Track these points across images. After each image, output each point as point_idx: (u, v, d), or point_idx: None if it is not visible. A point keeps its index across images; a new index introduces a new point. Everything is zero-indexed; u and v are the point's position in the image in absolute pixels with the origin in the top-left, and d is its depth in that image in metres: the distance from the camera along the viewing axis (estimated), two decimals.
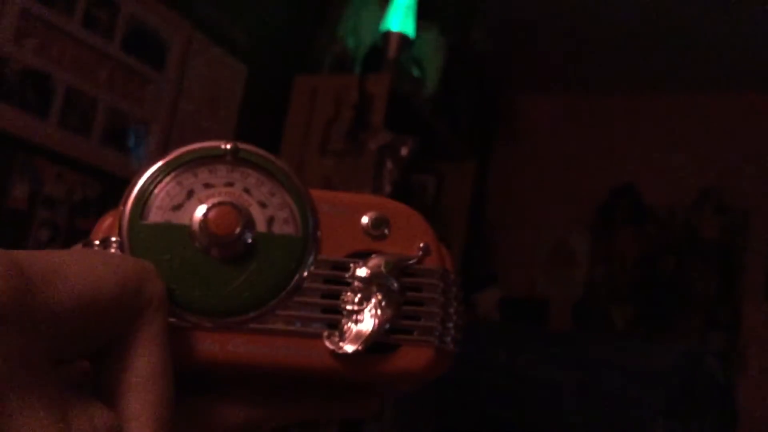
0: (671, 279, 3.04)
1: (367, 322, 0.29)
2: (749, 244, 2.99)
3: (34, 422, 0.21)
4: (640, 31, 2.76)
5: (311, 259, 0.30)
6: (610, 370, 2.05)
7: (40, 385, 0.22)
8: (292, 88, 2.25)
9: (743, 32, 2.63)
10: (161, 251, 0.29)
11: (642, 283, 3.05)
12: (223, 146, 0.30)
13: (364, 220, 0.31)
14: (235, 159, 0.30)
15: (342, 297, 0.30)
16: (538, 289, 3.18)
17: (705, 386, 2.06)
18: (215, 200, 0.29)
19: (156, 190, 0.29)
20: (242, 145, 0.30)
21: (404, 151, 2.12)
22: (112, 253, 0.28)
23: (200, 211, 0.29)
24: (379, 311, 0.30)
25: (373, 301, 0.30)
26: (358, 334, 0.29)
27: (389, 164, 2.11)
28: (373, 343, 0.29)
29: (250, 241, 0.29)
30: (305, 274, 0.30)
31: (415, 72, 2.43)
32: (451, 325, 0.31)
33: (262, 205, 0.30)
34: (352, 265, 0.30)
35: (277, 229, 0.30)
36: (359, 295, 0.30)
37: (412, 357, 0.30)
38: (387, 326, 0.30)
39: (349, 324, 0.29)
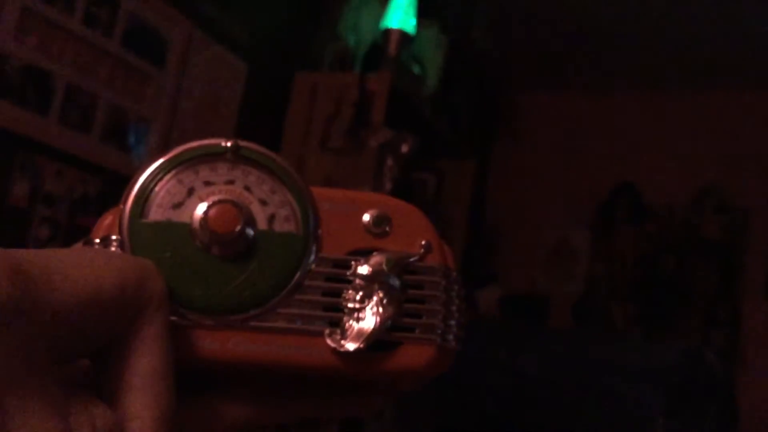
0: (671, 277, 3.04)
1: (368, 319, 0.29)
2: (749, 242, 2.99)
3: (35, 421, 0.21)
4: (640, 29, 2.76)
5: (312, 256, 0.30)
6: (609, 369, 2.05)
7: (41, 385, 0.22)
8: (292, 85, 2.25)
9: (744, 30, 2.63)
10: (162, 249, 0.29)
11: (642, 281, 3.05)
12: (223, 144, 0.30)
13: (366, 217, 0.31)
14: (236, 157, 0.30)
15: (343, 295, 0.30)
16: (538, 287, 3.18)
17: (705, 385, 2.06)
18: (216, 198, 0.29)
19: (156, 188, 0.29)
20: (243, 143, 0.30)
21: (404, 149, 2.12)
22: (113, 252, 0.28)
23: (201, 209, 0.29)
24: (380, 309, 0.29)
25: (375, 298, 0.30)
26: (360, 332, 0.29)
27: (389, 162, 2.11)
28: (374, 341, 0.29)
29: (251, 239, 0.29)
30: (306, 272, 0.30)
31: (416, 70, 2.43)
32: (453, 322, 0.31)
33: (263, 202, 0.30)
34: (353, 262, 0.30)
35: (278, 227, 0.30)
36: (361, 293, 0.30)
37: (414, 355, 0.30)
38: (389, 324, 0.29)
39: (351, 322, 0.29)
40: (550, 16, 2.79)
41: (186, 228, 0.29)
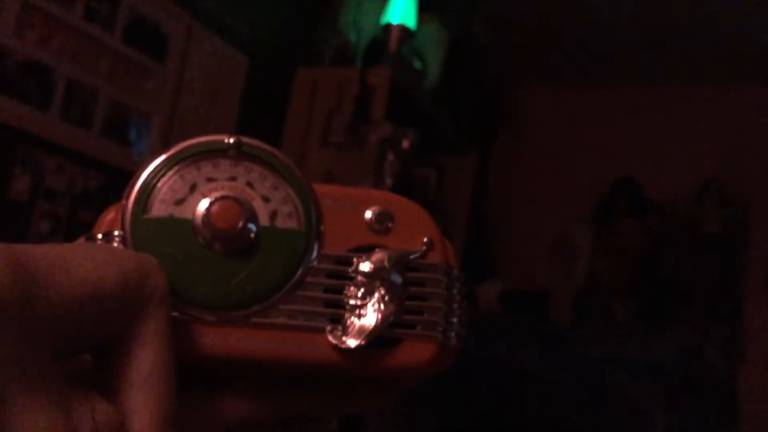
0: (672, 273, 3.04)
1: (370, 316, 0.29)
2: (750, 237, 2.99)
3: (36, 416, 0.21)
4: (641, 24, 2.75)
5: (314, 253, 0.30)
6: (610, 364, 2.05)
7: (42, 380, 0.22)
8: (293, 80, 2.25)
9: (744, 24, 2.63)
10: (164, 245, 0.29)
11: (643, 276, 3.05)
12: (226, 140, 0.30)
13: (368, 214, 0.31)
14: (239, 153, 0.30)
15: (345, 291, 0.30)
16: (538, 282, 3.18)
17: (705, 380, 2.06)
18: (218, 194, 0.29)
19: (159, 184, 0.29)
20: (245, 139, 0.30)
21: (405, 144, 2.12)
22: (115, 247, 0.28)
23: (203, 205, 0.29)
24: (382, 306, 0.29)
25: (377, 295, 0.30)
26: (361, 329, 0.29)
27: (390, 157, 2.11)
28: (376, 338, 0.29)
29: (253, 235, 0.29)
30: (308, 268, 0.30)
31: (417, 65, 2.42)
32: (454, 320, 0.31)
33: (265, 199, 0.30)
34: (355, 259, 0.30)
35: (280, 223, 0.30)
36: (362, 290, 0.30)
37: (415, 352, 0.30)
38: (390, 321, 0.29)
39: (352, 318, 0.29)
40: (550, 12, 2.78)
41: (188, 224, 0.29)
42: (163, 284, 0.26)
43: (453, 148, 2.80)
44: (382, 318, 0.29)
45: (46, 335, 0.22)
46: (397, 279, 0.30)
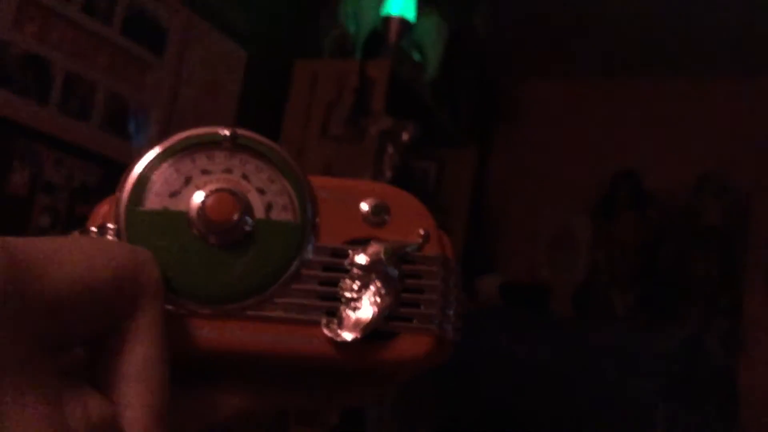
0: (672, 264, 3.04)
1: (366, 309, 0.29)
2: (751, 229, 2.99)
3: (29, 411, 0.21)
4: (641, 16, 2.75)
5: (310, 246, 0.30)
6: (610, 357, 2.05)
7: (35, 374, 0.22)
8: (292, 73, 2.24)
9: (745, 16, 2.62)
10: (158, 238, 0.28)
11: (643, 268, 3.05)
12: (221, 132, 0.30)
13: (364, 206, 0.31)
14: (234, 145, 0.30)
15: (341, 284, 0.30)
16: (539, 275, 3.18)
17: (706, 372, 2.06)
18: (213, 187, 0.29)
19: (153, 177, 0.29)
20: (241, 131, 0.30)
21: (405, 137, 2.12)
22: (108, 240, 0.28)
23: (198, 197, 0.29)
24: (378, 299, 0.29)
25: (372, 288, 0.29)
26: (357, 322, 0.29)
27: (390, 149, 2.11)
28: (372, 331, 0.29)
29: (248, 227, 0.29)
30: (304, 261, 0.29)
31: (416, 57, 2.42)
32: (451, 312, 0.31)
33: (261, 191, 0.30)
34: (351, 252, 0.30)
35: (276, 215, 0.30)
36: (358, 283, 0.30)
37: (412, 345, 0.30)
38: (386, 314, 0.29)
39: (348, 311, 0.29)
40: (551, 4, 2.78)
41: (183, 217, 0.29)
42: (158, 277, 0.26)
43: (453, 141, 2.80)
44: (378, 311, 0.29)
45: (40, 329, 0.22)
46: (393, 271, 0.30)
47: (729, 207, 3.01)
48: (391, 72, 2.15)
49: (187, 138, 0.30)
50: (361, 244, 0.30)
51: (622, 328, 2.58)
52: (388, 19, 2.30)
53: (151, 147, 0.30)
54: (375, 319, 0.29)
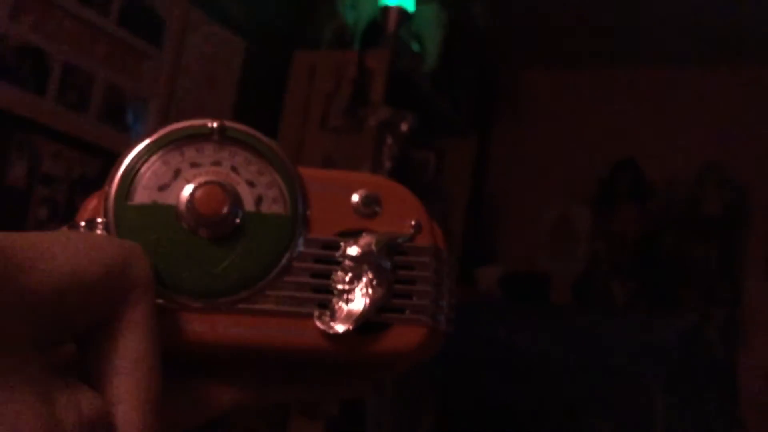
0: (672, 254, 3.04)
1: (358, 301, 0.29)
2: (750, 219, 2.99)
3: (18, 405, 0.21)
4: (641, 5, 2.74)
5: (301, 238, 0.30)
6: (610, 346, 2.06)
7: (24, 369, 0.22)
8: (291, 63, 2.24)
9: (745, 6, 2.61)
10: (148, 232, 0.28)
11: (643, 258, 3.05)
12: (209, 125, 0.30)
13: (355, 198, 0.31)
14: (222, 137, 0.30)
15: (332, 276, 0.30)
16: (539, 265, 3.18)
17: (705, 362, 2.07)
18: (202, 179, 0.29)
19: (142, 170, 0.29)
20: (229, 124, 0.30)
21: (404, 127, 2.11)
22: (97, 235, 0.28)
23: (187, 190, 0.29)
24: (370, 290, 0.29)
25: (364, 280, 0.29)
26: (349, 314, 0.29)
27: (389, 140, 2.10)
28: (364, 323, 0.29)
29: (238, 220, 0.29)
30: (295, 253, 0.29)
31: (415, 47, 2.41)
32: (443, 303, 0.31)
33: (251, 184, 0.30)
34: (342, 243, 0.30)
35: (266, 208, 0.29)
36: (350, 274, 0.29)
37: (404, 336, 0.30)
38: (378, 305, 0.29)
39: (340, 303, 0.29)
40: None
41: (172, 210, 0.29)
42: (147, 271, 0.26)
43: (452, 131, 2.79)
44: (370, 302, 0.29)
45: (29, 324, 0.22)
46: (385, 263, 0.30)
47: (729, 197, 3.01)
48: (390, 62, 2.14)
49: (175, 131, 0.30)
50: (352, 235, 0.30)
51: (622, 317, 2.59)
52: (386, 9, 2.29)
53: (139, 140, 0.30)
54: (367, 310, 0.29)
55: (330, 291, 0.29)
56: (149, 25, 1.76)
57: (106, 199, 0.29)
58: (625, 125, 3.16)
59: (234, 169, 0.30)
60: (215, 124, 0.30)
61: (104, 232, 0.28)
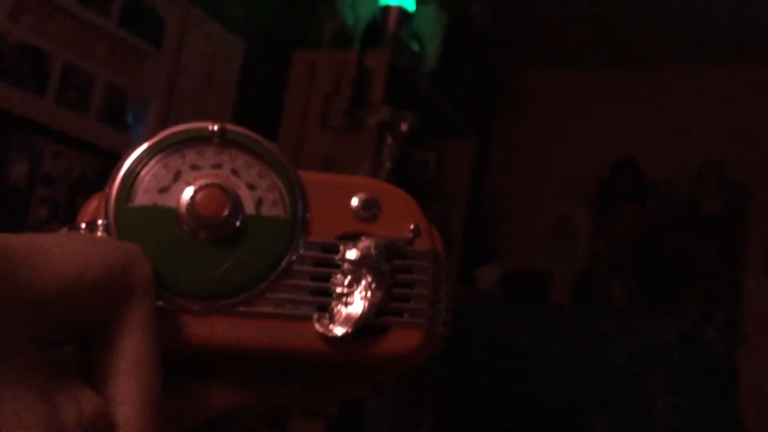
0: (672, 253, 3.04)
1: (356, 304, 0.29)
2: (750, 218, 2.99)
3: (21, 407, 0.21)
4: (641, 5, 2.74)
5: (300, 241, 0.30)
6: (610, 345, 2.06)
7: (25, 370, 0.22)
8: (290, 63, 2.24)
9: (745, 6, 2.61)
10: (148, 234, 0.28)
11: (643, 257, 3.05)
12: (210, 127, 0.30)
13: (354, 201, 0.31)
14: (223, 140, 0.30)
15: (332, 279, 0.30)
16: (539, 265, 3.19)
17: (705, 361, 2.07)
18: (203, 182, 0.29)
19: (142, 173, 0.29)
20: (230, 127, 0.30)
21: (404, 127, 2.11)
22: (98, 236, 0.28)
23: (187, 193, 0.29)
24: (368, 293, 0.29)
25: (363, 283, 0.29)
26: (348, 317, 0.29)
27: (389, 140, 2.10)
28: (363, 326, 0.29)
29: (238, 223, 0.29)
30: (294, 256, 0.29)
31: (415, 47, 2.41)
32: (441, 307, 0.31)
33: (251, 187, 0.30)
34: (341, 247, 0.30)
35: (266, 211, 0.30)
36: (349, 278, 0.30)
37: (402, 340, 0.30)
38: (377, 309, 0.29)
39: (339, 306, 0.29)
40: None
41: (173, 212, 0.29)
42: (148, 274, 0.26)
43: (452, 130, 2.79)
44: (368, 306, 0.29)
45: (29, 325, 0.22)
46: (384, 266, 0.30)
47: (729, 197, 3.01)
48: (389, 62, 2.14)
49: (175, 133, 0.30)
50: (351, 239, 0.30)
51: (622, 316, 2.59)
52: (386, 9, 2.29)
53: (139, 143, 0.30)
54: (366, 313, 0.29)
55: (329, 294, 0.30)
56: (149, 26, 1.76)
57: (107, 200, 0.29)
58: (625, 125, 3.17)
59: (234, 172, 0.30)
60: (216, 127, 0.30)
61: (105, 234, 0.28)
